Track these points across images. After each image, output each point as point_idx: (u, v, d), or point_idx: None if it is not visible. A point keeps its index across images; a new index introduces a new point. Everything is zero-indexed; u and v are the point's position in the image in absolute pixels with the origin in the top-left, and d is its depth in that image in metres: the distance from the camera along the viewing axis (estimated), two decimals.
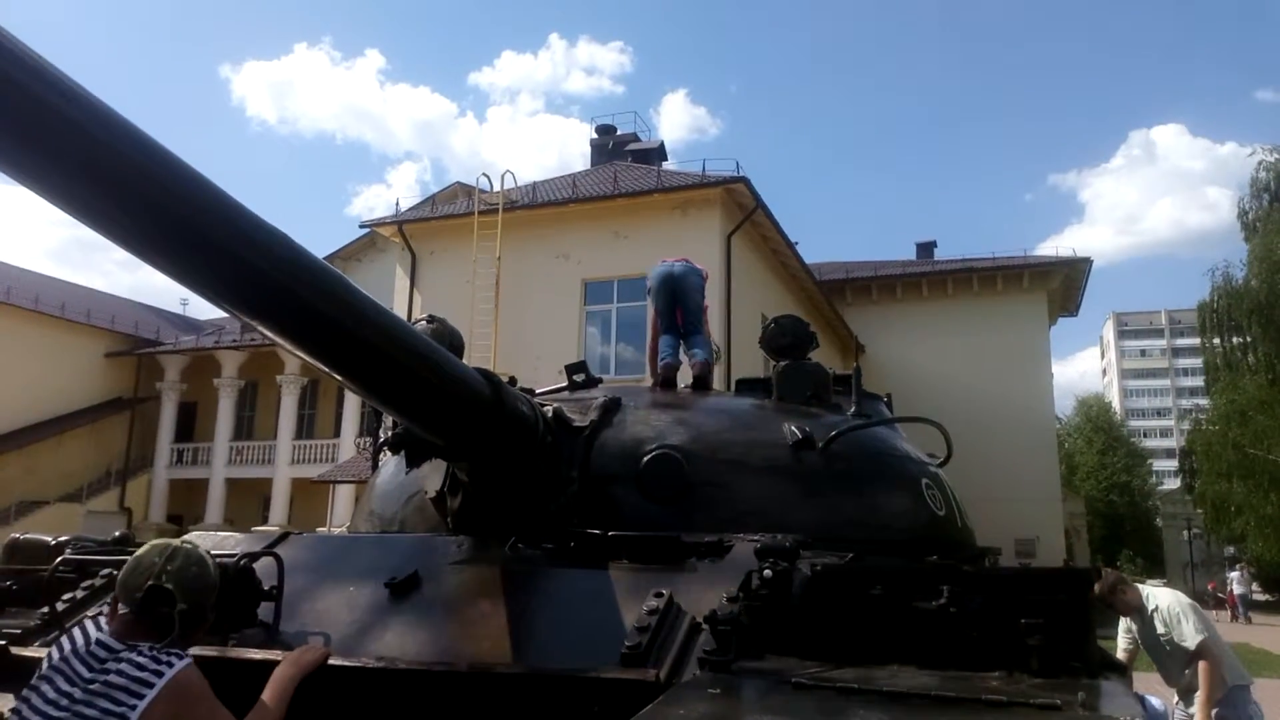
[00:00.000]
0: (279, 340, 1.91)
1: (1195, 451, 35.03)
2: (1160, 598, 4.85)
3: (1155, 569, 47.38)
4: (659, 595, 1.94)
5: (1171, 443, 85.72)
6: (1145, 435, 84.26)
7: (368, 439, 24.83)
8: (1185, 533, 43.54)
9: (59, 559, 2.29)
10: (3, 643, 2.06)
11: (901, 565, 2.00)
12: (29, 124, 1.30)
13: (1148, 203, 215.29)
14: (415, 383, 2.16)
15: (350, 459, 27.76)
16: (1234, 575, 34.20)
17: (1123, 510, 55.59)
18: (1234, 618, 30.72)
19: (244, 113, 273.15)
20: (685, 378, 4.12)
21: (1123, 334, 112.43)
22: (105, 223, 1.53)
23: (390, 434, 3.08)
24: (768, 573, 1.87)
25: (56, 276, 36.64)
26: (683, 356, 4.13)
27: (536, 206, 21.26)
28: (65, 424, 31.63)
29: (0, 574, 2.53)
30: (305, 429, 31.69)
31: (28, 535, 2.87)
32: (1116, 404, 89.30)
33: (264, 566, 2.24)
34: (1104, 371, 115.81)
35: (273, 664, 1.85)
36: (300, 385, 30.98)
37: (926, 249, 36.12)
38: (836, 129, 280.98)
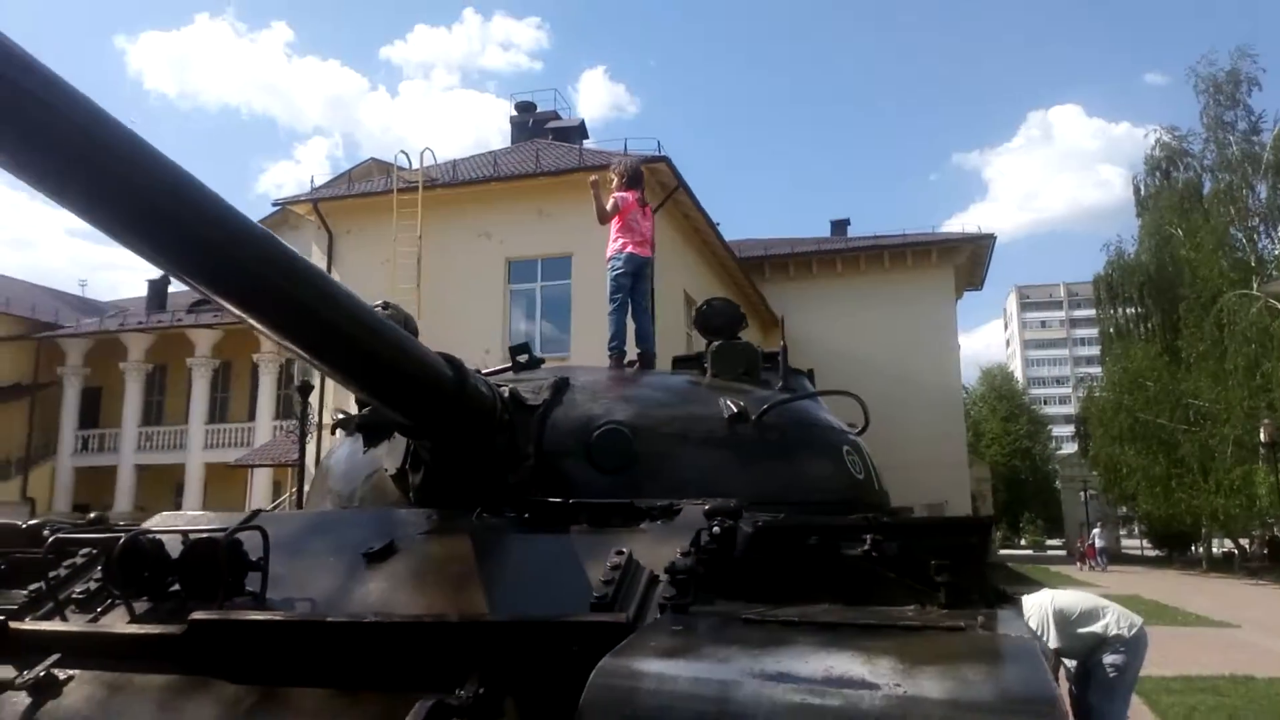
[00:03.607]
0: (257, 325, 2.06)
1: (1090, 417, 37.14)
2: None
3: (1054, 528, 50.04)
4: (620, 553, 2.17)
5: (1070, 409, 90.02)
6: (1046, 403, 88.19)
7: (294, 421, 24.38)
8: (1081, 494, 46.16)
9: (52, 539, 2.40)
10: (2, 618, 2.18)
11: (832, 519, 2.29)
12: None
13: (1046, 180, 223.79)
14: (385, 366, 2.34)
15: (267, 443, 27.22)
16: (1096, 531, 39.15)
17: (1025, 474, 58.37)
18: (1091, 568, 35.60)
19: (141, 85, 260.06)
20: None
21: (1025, 306, 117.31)
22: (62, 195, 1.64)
23: (357, 416, 3.25)
24: (716, 529, 2.14)
25: None
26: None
27: (458, 185, 21.13)
28: None
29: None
30: (218, 413, 30.90)
31: None
32: (1019, 373, 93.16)
33: (245, 541, 2.39)
34: (1007, 342, 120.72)
35: (271, 625, 2.03)
36: (212, 368, 30.17)
37: (840, 226, 37.11)
38: (751, 108, 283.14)
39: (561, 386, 3.27)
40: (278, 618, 2.08)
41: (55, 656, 2.08)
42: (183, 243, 1.77)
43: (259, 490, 25.90)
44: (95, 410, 32.10)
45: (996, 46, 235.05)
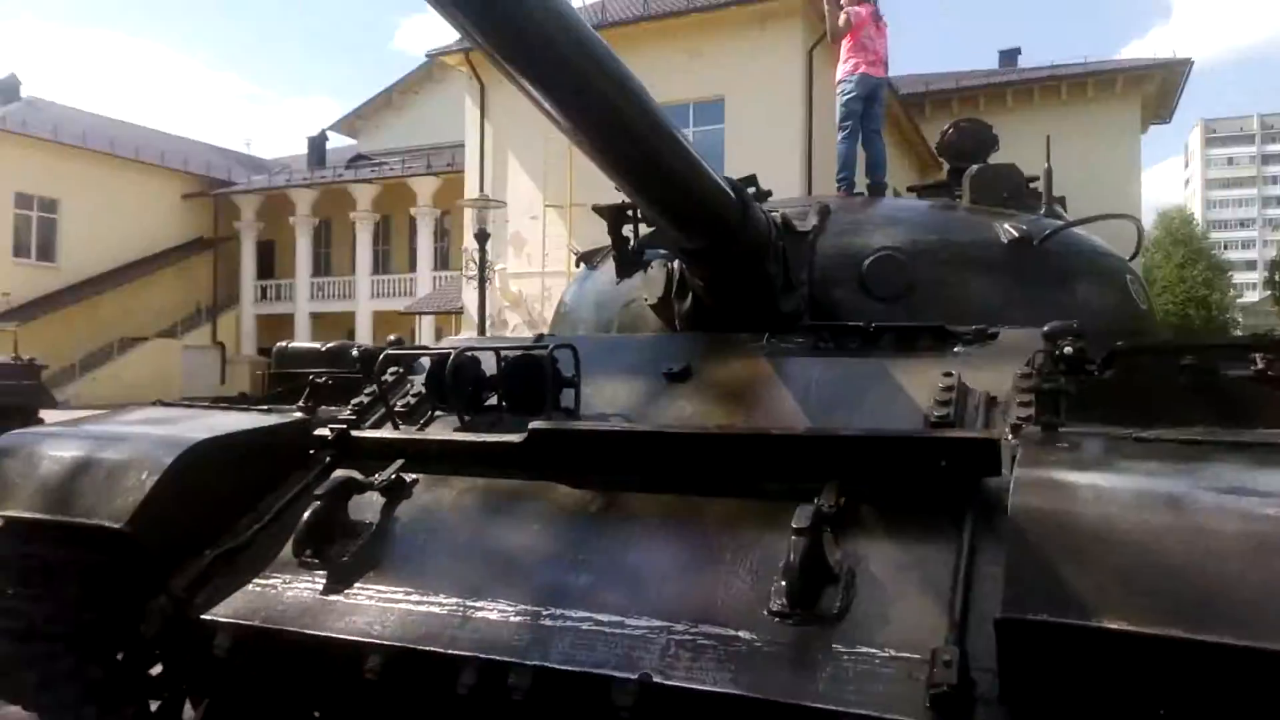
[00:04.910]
0: (590, 147, 2.04)
1: None
2: None
3: None
4: (948, 375, 2.08)
5: (1253, 254, 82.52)
6: (1227, 247, 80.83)
7: (453, 272, 25.42)
8: None
9: (383, 354, 2.51)
10: (343, 427, 2.32)
11: (1210, 338, 2.10)
12: None
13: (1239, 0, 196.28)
14: (687, 187, 2.29)
15: (430, 293, 28.44)
16: None
17: (1198, 324, 54.40)
18: None
19: None
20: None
21: (1210, 141, 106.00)
22: None
23: (631, 246, 3.24)
24: (1069, 350, 1.99)
25: (125, 120, 36.64)
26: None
27: (606, 26, 20.39)
28: (155, 264, 32.74)
29: (301, 375, 2.83)
30: (381, 264, 32.32)
31: (294, 344, 3.17)
32: (1198, 215, 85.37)
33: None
34: (1186, 182, 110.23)
35: (602, 434, 2.06)
36: (374, 222, 31.34)
37: (1010, 56, 33.98)
38: None
39: (825, 213, 3.13)
40: (619, 428, 2.11)
41: (400, 461, 2.19)
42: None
43: (425, 336, 27.28)
44: (270, 262, 34.19)
45: None
